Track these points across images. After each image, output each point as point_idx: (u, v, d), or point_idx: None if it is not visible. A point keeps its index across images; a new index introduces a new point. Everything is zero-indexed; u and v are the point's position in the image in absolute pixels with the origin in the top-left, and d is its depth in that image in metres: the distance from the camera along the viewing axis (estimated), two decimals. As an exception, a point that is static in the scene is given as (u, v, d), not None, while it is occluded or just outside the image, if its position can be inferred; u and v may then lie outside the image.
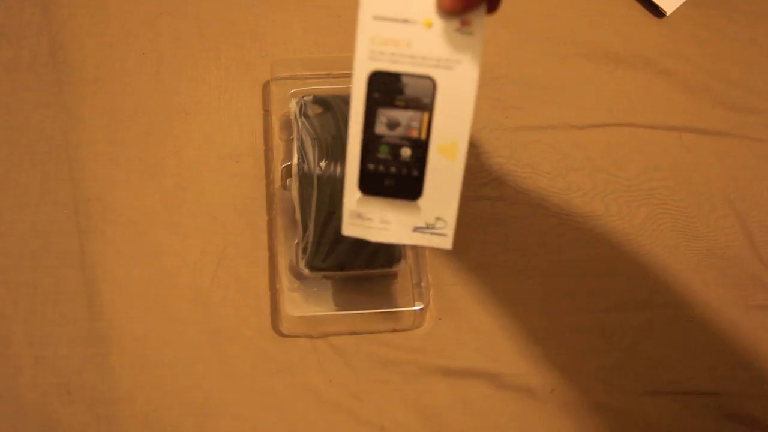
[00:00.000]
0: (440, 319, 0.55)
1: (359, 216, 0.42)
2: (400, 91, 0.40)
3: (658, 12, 0.65)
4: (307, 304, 0.54)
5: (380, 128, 0.41)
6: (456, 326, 0.55)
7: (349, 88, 0.58)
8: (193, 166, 0.58)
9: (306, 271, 0.54)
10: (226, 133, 0.60)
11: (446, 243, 0.43)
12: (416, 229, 0.43)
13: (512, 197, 0.59)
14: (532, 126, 0.61)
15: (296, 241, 0.55)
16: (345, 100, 0.58)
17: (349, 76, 0.59)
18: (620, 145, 0.61)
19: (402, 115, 0.40)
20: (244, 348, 0.54)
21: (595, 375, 0.54)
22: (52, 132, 0.59)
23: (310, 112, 0.57)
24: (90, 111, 0.60)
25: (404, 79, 0.40)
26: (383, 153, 0.41)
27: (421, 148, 0.41)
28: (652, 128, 0.61)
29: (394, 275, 0.55)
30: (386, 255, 0.54)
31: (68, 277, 0.55)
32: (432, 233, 0.43)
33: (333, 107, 0.57)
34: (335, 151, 0.56)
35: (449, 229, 0.42)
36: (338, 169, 0.56)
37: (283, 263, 0.54)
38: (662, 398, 0.54)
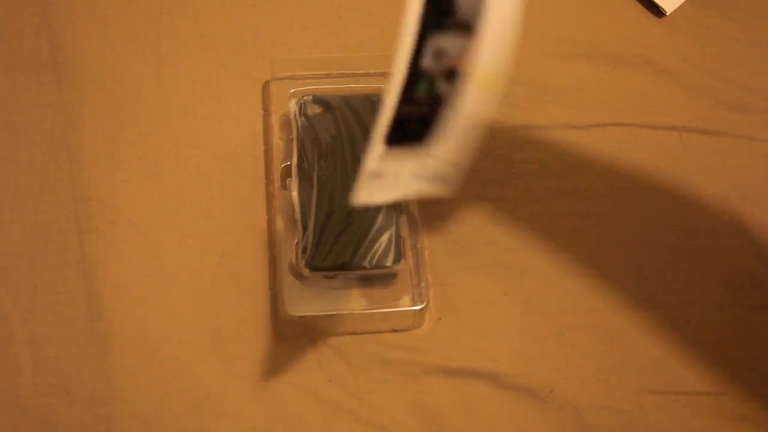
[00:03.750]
0: (440, 319, 0.55)
1: (377, 176, 0.38)
2: (453, 13, 0.36)
3: (658, 12, 0.65)
4: (307, 304, 0.54)
5: (426, 60, 0.37)
6: (456, 326, 0.55)
7: (349, 88, 0.59)
8: (193, 166, 0.58)
9: (306, 271, 0.54)
10: (226, 133, 0.60)
11: (448, 190, 0.38)
12: (420, 177, 0.38)
13: (512, 197, 0.59)
14: (532, 126, 0.61)
15: (296, 241, 0.55)
16: (345, 100, 0.58)
17: (348, 76, 0.60)
18: (620, 145, 0.61)
19: (449, 43, 0.36)
20: (244, 348, 0.54)
21: (595, 375, 0.54)
22: (52, 132, 0.59)
23: (310, 112, 0.57)
24: (90, 111, 0.60)
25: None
26: (422, 92, 0.37)
27: (457, 79, 0.37)
28: (652, 128, 0.61)
29: (394, 275, 0.55)
30: (386, 255, 0.54)
31: (68, 277, 0.55)
32: (438, 180, 0.38)
33: (333, 107, 0.57)
34: (335, 151, 0.56)
35: (454, 173, 0.38)
36: (338, 169, 0.56)
37: (283, 263, 0.54)
38: (662, 398, 0.54)
